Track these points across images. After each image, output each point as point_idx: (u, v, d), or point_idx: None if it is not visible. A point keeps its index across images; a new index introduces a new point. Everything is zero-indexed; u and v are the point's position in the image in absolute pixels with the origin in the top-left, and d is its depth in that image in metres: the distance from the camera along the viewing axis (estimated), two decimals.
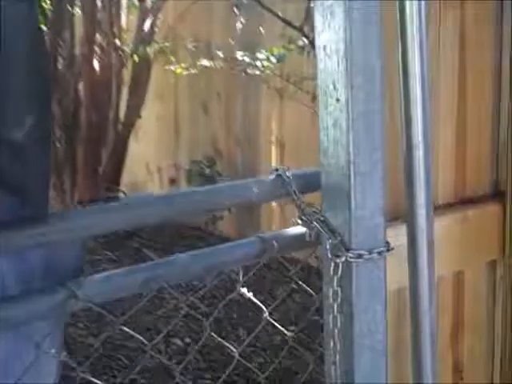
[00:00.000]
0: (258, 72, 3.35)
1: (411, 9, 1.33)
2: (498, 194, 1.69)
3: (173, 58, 4.21)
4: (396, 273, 1.37)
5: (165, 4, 4.92)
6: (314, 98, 3.26)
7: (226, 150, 4.99)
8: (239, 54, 3.33)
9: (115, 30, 4.77)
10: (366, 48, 1.24)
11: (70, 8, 4.86)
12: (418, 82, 1.35)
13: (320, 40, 1.26)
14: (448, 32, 1.62)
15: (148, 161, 5.80)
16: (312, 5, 3.01)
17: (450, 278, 1.61)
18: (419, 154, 1.37)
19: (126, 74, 4.98)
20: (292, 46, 3.04)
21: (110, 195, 4.92)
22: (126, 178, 5.31)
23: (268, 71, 3.25)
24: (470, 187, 1.67)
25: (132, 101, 4.99)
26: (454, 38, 1.62)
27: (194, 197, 1.32)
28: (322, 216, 1.29)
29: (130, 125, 5.03)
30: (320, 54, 1.27)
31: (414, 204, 1.37)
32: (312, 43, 2.96)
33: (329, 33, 1.25)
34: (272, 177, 1.35)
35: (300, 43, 3.01)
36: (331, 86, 1.25)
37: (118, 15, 4.87)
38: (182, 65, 3.65)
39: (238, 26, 3.92)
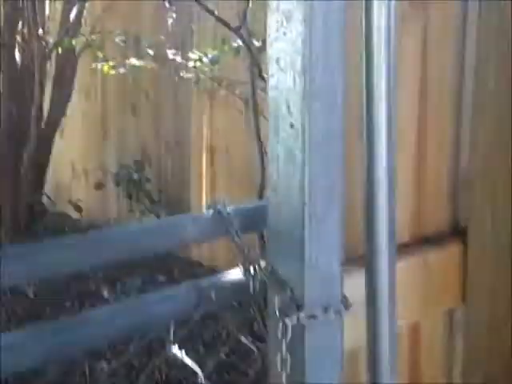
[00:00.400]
0: (189, 74, 3.10)
1: (379, 11, 1.10)
2: (458, 232, 1.49)
3: (100, 54, 3.91)
4: (351, 329, 1.16)
5: None
6: (247, 103, 3.04)
7: (154, 154, 4.72)
8: (170, 53, 3.08)
9: (38, 18, 4.43)
10: (328, 63, 1.02)
11: None
12: (385, 104, 1.13)
13: (273, 50, 1.04)
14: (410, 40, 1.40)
15: (74, 161, 5.48)
16: (250, 5, 2.82)
17: (406, 330, 1.40)
18: (382, 188, 1.16)
19: (51, 68, 4.64)
20: (226, 48, 2.80)
21: (32, 200, 4.59)
22: (50, 178, 4.98)
23: (200, 74, 3.00)
24: (427, 224, 1.46)
25: (56, 97, 4.65)
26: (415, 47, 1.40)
27: (113, 238, 1.07)
28: (269, 265, 1.06)
29: (54, 122, 4.69)
30: (272, 67, 1.05)
31: (375, 245, 1.16)
32: (248, 46, 2.74)
33: (284, 42, 1.02)
34: (210, 213, 1.12)
35: (235, 45, 2.77)
36: (284, 108, 1.03)
37: (43, 2, 4.52)
38: (110, 63, 3.36)
39: (169, 21, 3.65)
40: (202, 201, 4.34)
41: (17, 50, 4.48)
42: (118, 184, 4.66)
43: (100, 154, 5.24)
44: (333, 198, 1.04)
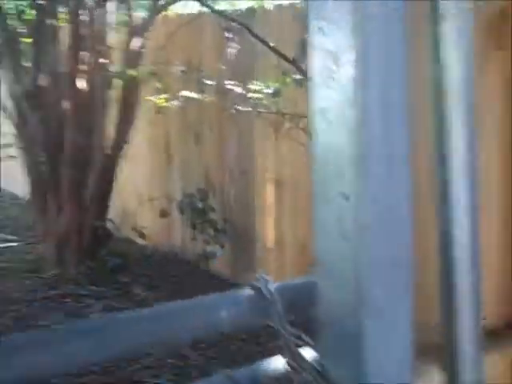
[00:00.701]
0: (249, 108, 2.95)
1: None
2: None
3: (159, 85, 3.81)
4: None
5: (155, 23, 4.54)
6: (310, 136, 2.84)
7: (218, 183, 4.60)
8: (230, 84, 2.94)
9: (102, 47, 4.37)
10: (388, 115, 0.82)
11: (54, 21, 4.47)
12: (463, 162, 0.92)
13: (316, 98, 0.85)
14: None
15: (139, 188, 5.42)
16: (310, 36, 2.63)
17: None
18: (463, 259, 0.95)
19: (114, 96, 4.59)
20: (288, 80, 2.64)
21: (97, 224, 4.53)
22: (115, 204, 4.91)
23: (262, 105, 2.84)
24: None
25: (120, 124, 4.60)
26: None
27: (135, 324, 0.90)
28: (319, 363, 0.87)
29: (118, 149, 4.64)
30: (317, 120, 0.85)
31: (455, 333, 0.94)
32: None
33: (331, 89, 0.82)
34: (248, 292, 0.94)
35: (297, 76, 2.61)
36: (333, 172, 0.83)
37: (105, 31, 4.47)
38: (166, 95, 3.23)
39: (230, 51, 3.51)
40: (267, 231, 4.18)
41: (81, 78, 4.43)
42: (182, 212, 4.55)
43: (165, 181, 5.17)
44: (400, 283, 0.84)
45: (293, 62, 2.52)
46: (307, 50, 2.33)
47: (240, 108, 3.03)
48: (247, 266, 4.37)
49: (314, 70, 0.83)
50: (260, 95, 2.69)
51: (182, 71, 3.33)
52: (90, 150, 4.49)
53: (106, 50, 4.38)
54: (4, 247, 4.96)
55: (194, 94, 3.13)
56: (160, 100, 3.21)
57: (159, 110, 3.33)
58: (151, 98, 3.37)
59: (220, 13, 2.99)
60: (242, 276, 4.37)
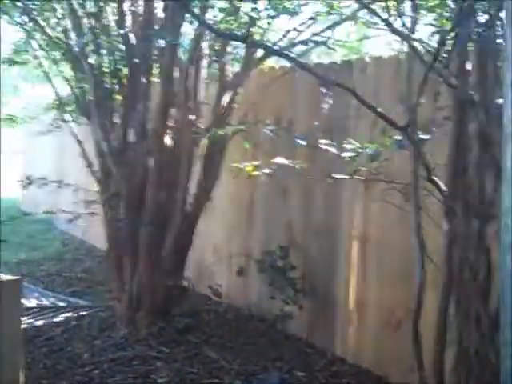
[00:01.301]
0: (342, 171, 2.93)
1: None
2: None
3: (247, 145, 3.83)
4: None
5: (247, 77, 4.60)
6: (405, 196, 2.80)
7: (301, 240, 4.53)
8: (323, 143, 2.90)
9: (191, 104, 4.44)
10: None
11: (145, 78, 4.58)
12: None
13: None
14: None
15: (217, 244, 5.41)
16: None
17: None
18: None
19: (199, 150, 4.63)
20: (388, 141, 2.60)
21: (172, 283, 4.51)
22: (192, 259, 4.90)
23: (356, 166, 2.80)
24: None
25: (203, 182, 4.63)
26: None
27: None
28: None
29: (199, 207, 4.66)
30: None
31: None
32: (412, 140, 2.53)
33: None
34: None
35: (397, 137, 2.56)
36: None
37: (196, 88, 4.53)
38: (255, 163, 3.21)
39: (324, 107, 3.49)
40: (349, 292, 4.08)
41: (168, 134, 4.50)
42: (261, 271, 4.51)
43: (244, 238, 5.14)
44: None
45: (403, 128, 2.48)
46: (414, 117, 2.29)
47: (335, 176, 2.98)
48: (326, 328, 4.28)
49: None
50: (355, 155, 2.65)
51: (273, 130, 3.30)
52: (171, 206, 4.53)
53: (197, 106, 4.45)
54: (77, 306, 4.97)
55: (284, 161, 3.09)
56: (249, 168, 3.19)
57: (249, 176, 3.30)
58: (239, 164, 3.34)
59: (309, 70, 2.97)
60: (319, 339, 4.28)
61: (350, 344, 4.07)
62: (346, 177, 2.90)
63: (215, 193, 4.76)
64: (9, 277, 3.33)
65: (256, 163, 3.22)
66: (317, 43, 4.26)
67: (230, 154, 4.66)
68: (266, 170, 3.20)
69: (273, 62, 5.16)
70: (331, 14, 4.26)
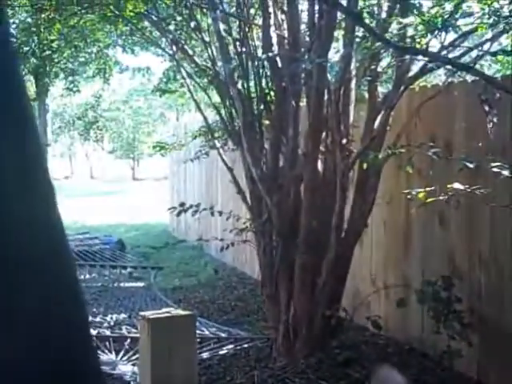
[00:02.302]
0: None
1: None
2: None
3: (410, 170, 3.57)
4: None
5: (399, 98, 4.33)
6: None
7: (466, 270, 4.19)
8: (489, 164, 2.62)
9: (342, 126, 4.25)
10: None
11: (294, 103, 4.45)
12: None
13: None
14: None
15: (373, 273, 5.15)
16: None
17: None
18: None
19: (353, 174, 4.42)
20: None
21: (330, 313, 4.30)
22: (347, 288, 4.67)
23: None
24: None
25: (358, 206, 4.40)
26: None
27: None
28: None
29: (355, 233, 4.42)
30: None
31: None
32: None
33: None
34: None
35: None
36: None
37: (347, 111, 4.33)
38: (428, 189, 2.93)
39: (489, 125, 3.20)
40: None
41: (319, 160, 4.34)
42: (422, 302, 4.19)
43: (401, 267, 4.85)
44: None
45: None
46: None
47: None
48: (499, 367, 3.91)
49: None
50: None
51: (436, 152, 3.04)
52: (325, 233, 4.34)
53: (347, 129, 4.25)
54: (238, 337, 4.87)
55: (460, 186, 2.81)
56: (421, 194, 2.92)
57: (423, 204, 3.01)
58: (410, 191, 3.07)
59: (501, 85, 2.70)
60: (494, 379, 3.92)
61: None
62: None
63: (371, 219, 4.52)
64: (182, 312, 3.29)
65: (429, 189, 2.95)
66: (493, 54, 3.88)
67: (383, 175, 4.43)
68: (441, 197, 2.92)
69: (423, 81, 4.87)
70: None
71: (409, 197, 3.06)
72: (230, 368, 4.40)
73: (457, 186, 2.81)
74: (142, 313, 3.46)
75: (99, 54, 13.21)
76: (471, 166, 2.76)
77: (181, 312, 3.31)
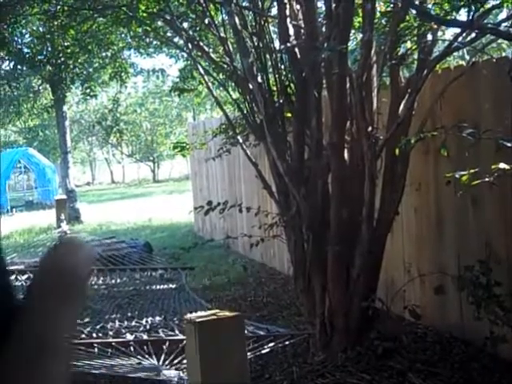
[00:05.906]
0: None
1: None
2: None
3: (444, 152, 3.46)
4: None
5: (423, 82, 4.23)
6: None
7: (504, 254, 4.08)
8: None
9: (367, 114, 4.15)
10: None
11: (316, 93, 4.37)
12: None
13: None
14: None
15: (407, 261, 5.05)
16: None
17: None
18: None
19: (381, 163, 4.31)
20: None
21: (366, 304, 4.21)
22: (381, 278, 4.57)
23: None
24: None
25: (388, 195, 4.29)
26: None
27: None
28: None
29: (386, 222, 4.32)
30: None
31: None
32: None
33: None
34: None
35: None
36: None
37: (370, 98, 4.23)
38: (471, 171, 2.80)
39: None
40: None
41: (346, 148, 4.25)
42: (461, 288, 4.07)
43: (435, 253, 4.75)
44: None
45: None
46: None
47: None
48: None
49: None
50: None
51: (471, 133, 2.92)
52: (356, 223, 4.25)
53: (371, 116, 4.16)
54: (278, 334, 4.80)
55: (506, 166, 2.68)
56: (464, 176, 2.79)
57: (466, 188, 2.89)
58: (453, 173, 2.93)
59: None
60: None
61: None
62: None
63: (401, 207, 4.42)
64: (229, 313, 3.21)
65: (473, 171, 2.82)
66: None
67: (411, 162, 4.32)
68: (486, 179, 2.80)
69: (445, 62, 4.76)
70: None
71: (449, 181, 2.94)
72: (268, 365, 4.34)
73: (502, 165, 2.69)
74: (186, 316, 3.37)
75: (114, 58, 13.19)
76: (509, 144, 2.66)
77: (227, 313, 3.22)
